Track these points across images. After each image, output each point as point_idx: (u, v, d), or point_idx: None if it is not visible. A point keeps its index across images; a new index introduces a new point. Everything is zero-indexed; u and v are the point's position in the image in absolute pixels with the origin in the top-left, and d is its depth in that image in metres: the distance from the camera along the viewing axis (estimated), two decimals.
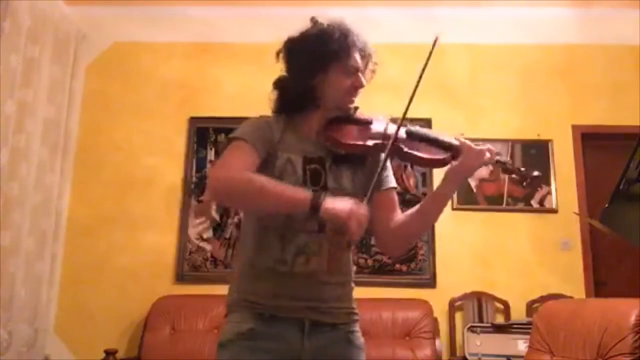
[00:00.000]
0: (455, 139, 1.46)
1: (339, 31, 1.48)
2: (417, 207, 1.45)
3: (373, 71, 1.54)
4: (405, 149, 1.43)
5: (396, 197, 1.54)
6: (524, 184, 1.43)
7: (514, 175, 1.46)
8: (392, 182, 1.54)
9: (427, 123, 3.96)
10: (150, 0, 4.21)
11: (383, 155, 1.46)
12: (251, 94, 4.15)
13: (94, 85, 4.29)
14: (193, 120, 4.21)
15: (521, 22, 4.19)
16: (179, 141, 4.18)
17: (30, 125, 3.68)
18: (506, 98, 4.17)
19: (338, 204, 1.27)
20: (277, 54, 1.54)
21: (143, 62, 4.34)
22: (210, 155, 4.16)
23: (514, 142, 4.07)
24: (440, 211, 1.44)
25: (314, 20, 1.54)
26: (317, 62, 1.45)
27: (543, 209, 3.97)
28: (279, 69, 1.55)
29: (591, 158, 4.04)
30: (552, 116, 4.12)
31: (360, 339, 1.48)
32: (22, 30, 3.58)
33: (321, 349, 1.40)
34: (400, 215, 1.50)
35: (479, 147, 1.42)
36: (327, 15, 1.55)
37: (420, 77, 1.44)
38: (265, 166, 1.41)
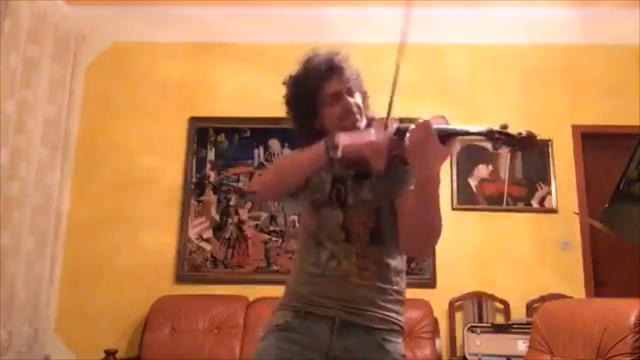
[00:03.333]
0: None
1: (306, 72, 1.54)
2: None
3: (356, 78, 1.56)
4: (393, 152, 1.41)
5: None
6: (515, 147, 1.27)
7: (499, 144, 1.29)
8: (412, 184, 1.49)
9: None
10: (150, 0, 4.20)
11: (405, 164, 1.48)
12: (251, 94, 4.17)
13: (94, 85, 4.29)
14: (193, 120, 4.21)
15: (521, 22, 4.19)
16: (179, 141, 4.18)
17: (30, 125, 3.68)
18: (506, 98, 4.17)
19: (354, 136, 1.40)
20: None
21: (143, 62, 4.34)
22: (210, 155, 4.16)
23: None
24: (425, 196, 1.31)
25: (285, 80, 1.59)
26: (304, 114, 1.55)
27: (543, 209, 3.97)
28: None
29: (591, 158, 4.03)
30: (552, 116, 4.12)
31: (398, 349, 1.46)
32: (22, 30, 3.58)
33: (351, 350, 1.42)
34: None
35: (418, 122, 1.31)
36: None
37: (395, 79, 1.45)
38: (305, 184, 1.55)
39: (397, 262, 1.52)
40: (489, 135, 1.28)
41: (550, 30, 4.19)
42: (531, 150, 1.33)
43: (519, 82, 4.19)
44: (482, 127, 1.30)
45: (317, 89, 1.52)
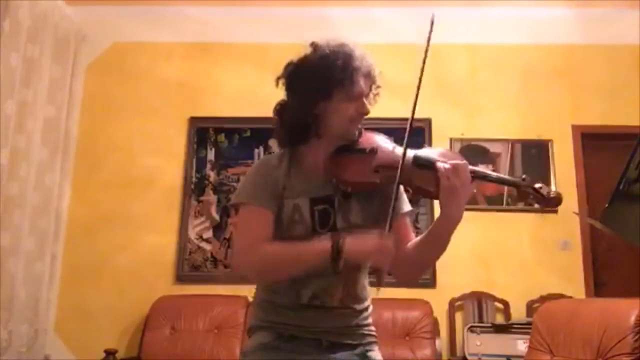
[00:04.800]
0: (436, 159, 1.36)
1: (342, 56, 1.40)
2: (425, 233, 1.41)
3: (377, 95, 1.47)
4: (416, 184, 1.38)
5: (409, 222, 1.51)
6: (539, 204, 1.37)
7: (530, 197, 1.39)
8: (405, 207, 1.49)
9: (426, 123, 3.96)
10: (150, 0, 4.20)
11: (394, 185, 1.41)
12: (251, 94, 4.17)
13: (94, 85, 4.29)
14: (193, 120, 4.21)
15: (521, 22, 4.19)
16: (179, 141, 4.18)
17: (30, 125, 3.68)
18: (506, 98, 4.17)
19: (360, 243, 1.30)
20: (277, 80, 1.46)
21: (143, 62, 4.34)
22: (210, 155, 4.16)
23: (514, 142, 4.07)
24: (447, 236, 1.36)
25: (314, 45, 1.45)
26: (320, 89, 1.39)
27: (543, 209, 3.97)
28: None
29: (591, 158, 4.03)
30: (552, 116, 4.12)
31: (378, 357, 1.48)
32: (22, 30, 3.58)
33: None
34: (412, 241, 1.46)
35: (451, 163, 1.32)
36: (329, 34, 1.47)
37: (422, 73, 1.42)
38: (275, 217, 1.42)
39: (367, 280, 1.53)
40: (520, 186, 1.37)
41: (550, 30, 4.19)
42: (553, 208, 1.43)
43: (519, 82, 4.19)
44: (514, 178, 1.41)
45: (351, 76, 1.39)
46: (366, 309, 1.50)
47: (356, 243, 1.30)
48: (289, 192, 1.42)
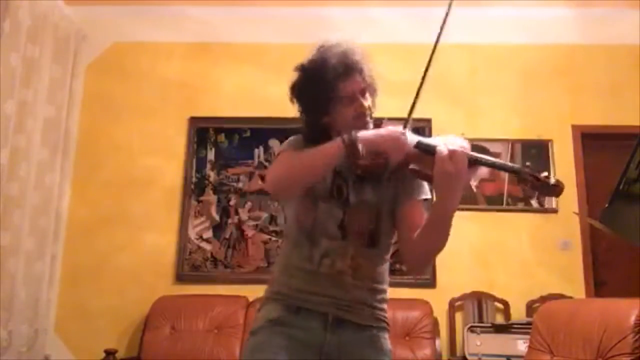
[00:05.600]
0: (437, 144, 1.36)
1: (322, 73, 1.46)
2: (426, 220, 1.42)
3: (371, 77, 1.52)
4: (412, 166, 1.40)
5: (423, 210, 1.50)
6: (535, 191, 1.35)
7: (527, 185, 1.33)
8: (422, 193, 1.51)
9: (427, 123, 3.96)
10: (150, 0, 4.21)
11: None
12: (251, 94, 4.17)
13: (94, 85, 4.29)
14: (193, 120, 4.21)
15: (521, 22, 4.19)
16: (179, 141, 4.19)
17: (30, 125, 3.68)
18: (506, 98, 4.17)
19: (372, 132, 1.38)
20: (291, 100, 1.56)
21: (143, 62, 4.34)
22: (210, 155, 4.16)
23: (514, 142, 4.07)
24: (444, 223, 1.34)
25: (299, 68, 1.52)
26: (316, 108, 1.49)
27: (543, 209, 3.97)
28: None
29: (591, 158, 4.03)
30: (552, 116, 4.12)
31: (386, 344, 1.50)
32: (22, 30, 3.58)
33: (344, 346, 1.44)
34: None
35: (447, 149, 1.30)
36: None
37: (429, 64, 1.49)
38: None
39: (386, 264, 1.55)
40: (520, 173, 1.32)
41: (550, 30, 4.19)
42: (551, 196, 1.37)
43: (519, 82, 4.19)
44: (514, 165, 1.37)
45: (333, 88, 1.45)
46: (382, 292, 1.52)
47: (368, 132, 1.38)
48: None
